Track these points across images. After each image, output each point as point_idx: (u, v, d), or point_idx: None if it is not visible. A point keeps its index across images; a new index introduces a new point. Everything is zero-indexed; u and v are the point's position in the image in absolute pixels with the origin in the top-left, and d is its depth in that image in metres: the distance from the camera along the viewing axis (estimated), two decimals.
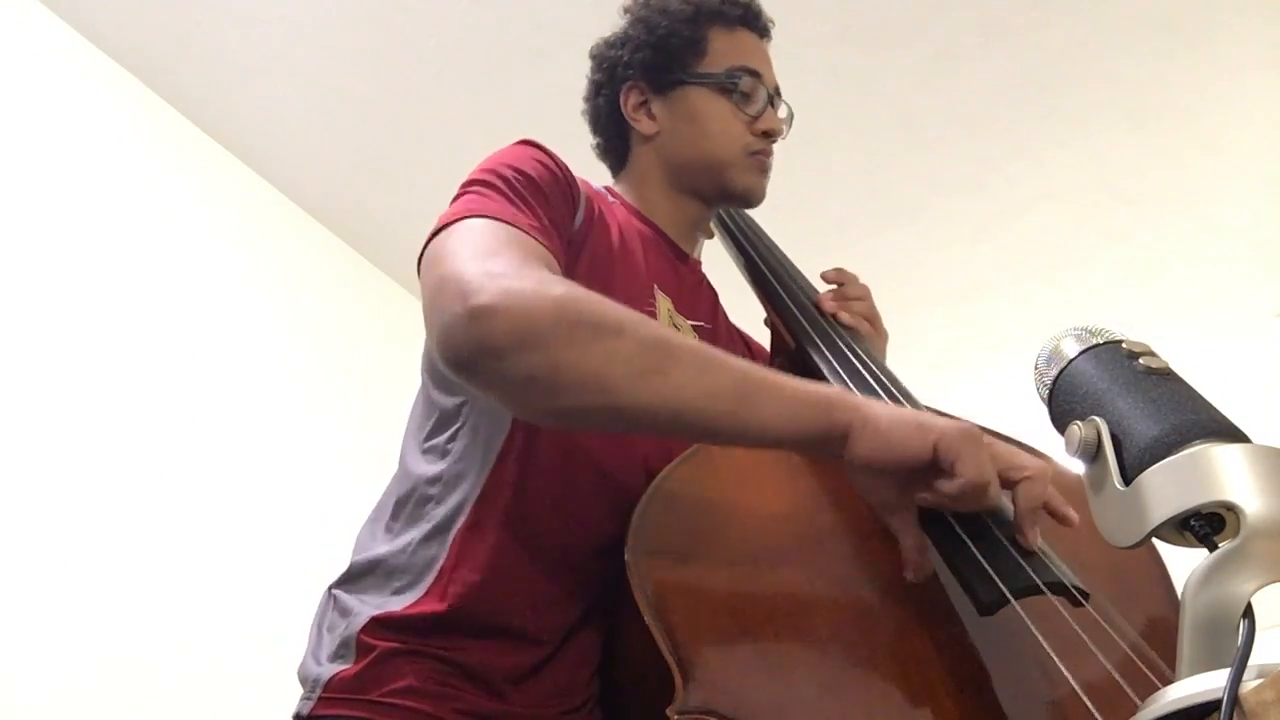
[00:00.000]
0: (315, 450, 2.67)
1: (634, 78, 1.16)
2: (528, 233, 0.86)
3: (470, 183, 0.95)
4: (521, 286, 0.76)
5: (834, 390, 0.80)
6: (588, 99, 1.22)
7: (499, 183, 0.93)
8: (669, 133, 1.15)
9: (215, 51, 2.50)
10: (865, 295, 1.17)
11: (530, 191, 0.93)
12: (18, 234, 2.11)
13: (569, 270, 0.96)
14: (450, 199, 1.00)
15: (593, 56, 1.21)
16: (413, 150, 2.77)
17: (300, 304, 2.84)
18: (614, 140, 1.20)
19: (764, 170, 1.16)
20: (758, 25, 1.19)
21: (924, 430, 0.75)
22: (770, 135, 1.15)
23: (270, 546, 2.40)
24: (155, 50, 2.48)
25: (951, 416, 0.91)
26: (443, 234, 0.85)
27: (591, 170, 1.15)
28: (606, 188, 1.17)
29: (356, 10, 2.40)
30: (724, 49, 1.15)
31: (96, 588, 2.02)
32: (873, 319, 1.16)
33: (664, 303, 1.07)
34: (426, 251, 0.86)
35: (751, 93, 1.14)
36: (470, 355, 0.76)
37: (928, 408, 0.98)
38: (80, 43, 2.42)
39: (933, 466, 0.75)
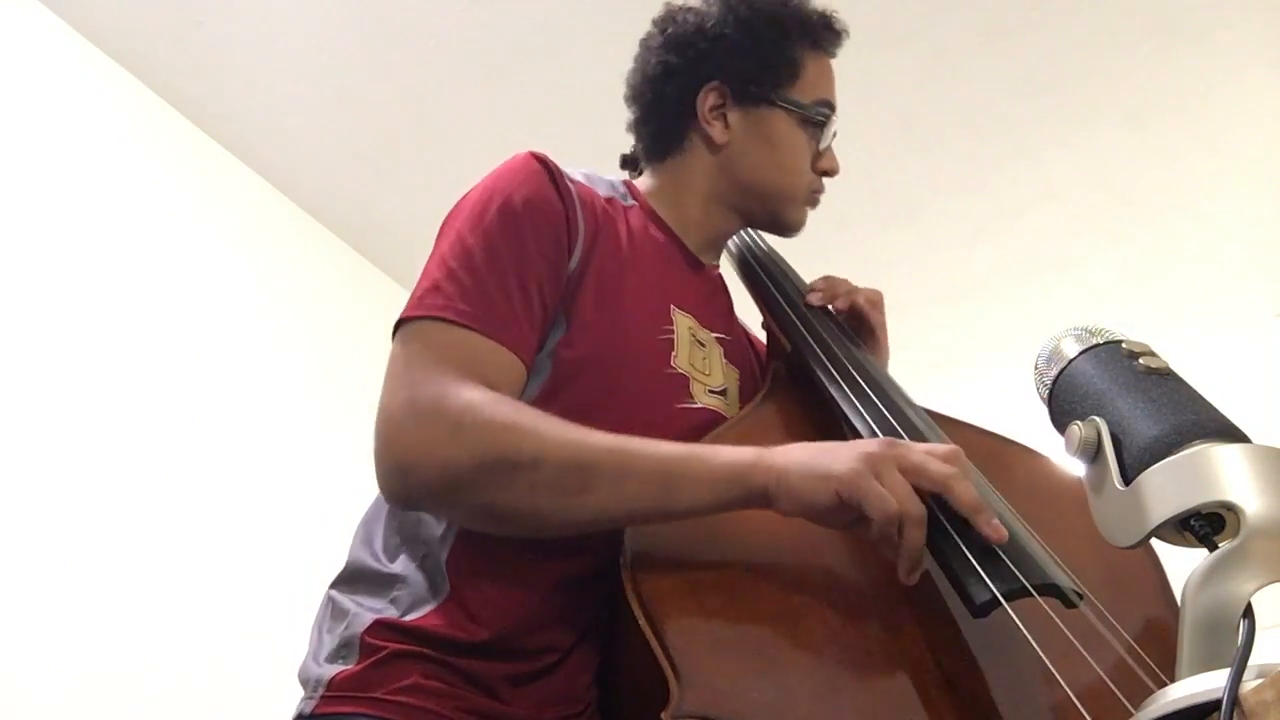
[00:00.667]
0: (315, 450, 2.67)
1: (721, 79, 1.08)
2: (477, 328, 0.87)
3: (450, 234, 0.94)
4: (440, 430, 0.81)
5: (750, 455, 0.81)
6: (650, 78, 1.11)
7: (476, 240, 0.91)
8: (739, 149, 1.09)
9: (215, 51, 2.50)
10: (868, 293, 1.15)
11: (511, 244, 0.91)
12: (17, 234, 2.11)
13: (572, 303, 0.94)
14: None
15: (667, 34, 1.11)
16: (413, 150, 2.77)
17: (300, 304, 2.84)
18: (669, 131, 1.12)
19: (815, 207, 1.14)
20: (835, 53, 1.15)
21: (825, 481, 0.76)
22: (829, 174, 1.12)
23: (270, 547, 2.40)
24: (155, 50, 2.48)
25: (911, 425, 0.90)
26: (398, 339, 0.89)
27: (592, 166, 1.12)
28: (626, 183, 1.12)
29: (357, 10, 2.40)
30: (814, 77, 1.10)
31: (97, 586, 2.02)
32: (876, 326, 1.14)
33: (684, 321, 1.03)
34: (389, 356, 0.89)
35: (827, 130, 1.10)
36: (406, 501, 0.87)
37: (924, 409, 0.97)
38: (80, 43, 2.42)
39: (848, 509, 0.75)
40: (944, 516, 0.77)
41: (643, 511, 0.81)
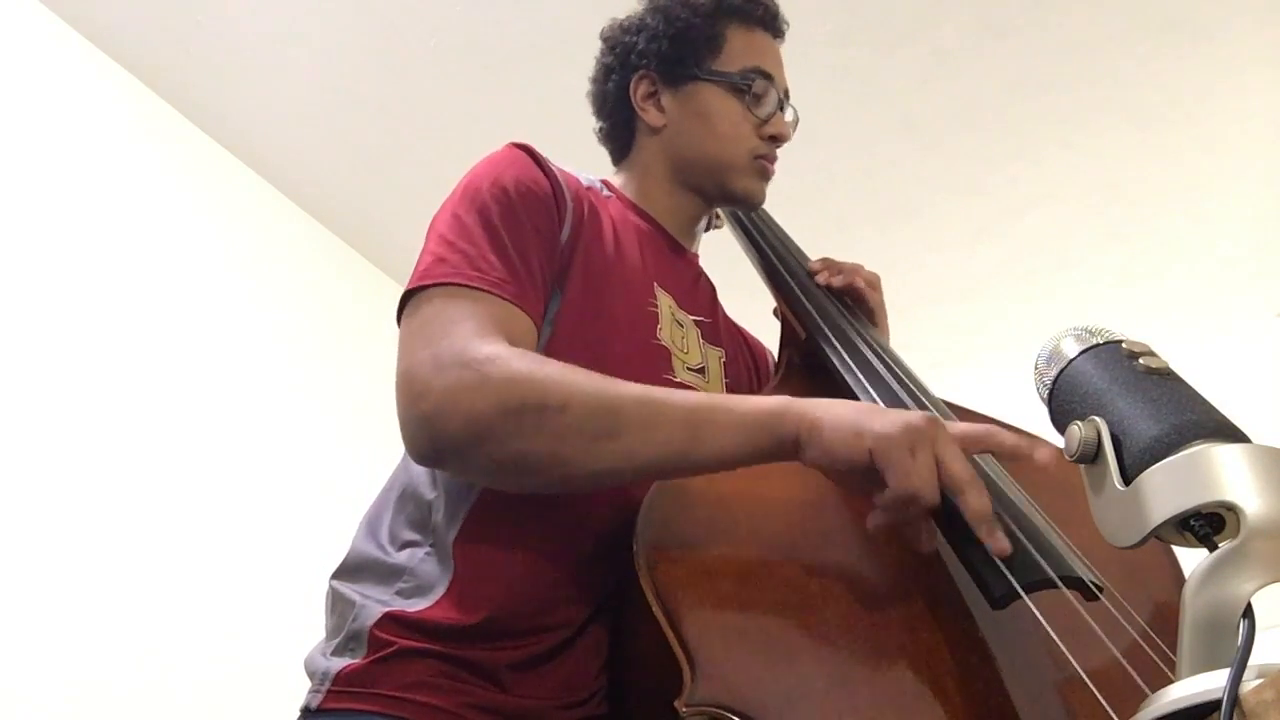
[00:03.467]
0: (316, 448, 2.67)
1: (646, 67, 1.14)
2: (489, 291, 0.88)
3: (445, 216, 0.95)
4: (466, 379, 0.80)
5: (781, 401, 0.80)
6: (596, 82, 1.20)
7: (473, 219, 0.93)
8: (676, 127, 1.14)
9: (215, 51, 2.50)
10: (867, 274, 1.17)
11: (506, 219, 0.93)
12: (17, 234, 2.11)
13: (563, 280, 0.96)
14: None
15: (605, 39, 1.19)
16: (413, 150, 2.77)
17: (300, 303, 2.84)
18: (619, 127, 1.18)
19: (765, 176, 1.15)
20: (774, 27, 1.18)
21: (859, 436, 0.75)
22: (777, 140, 1.14)
23: (271, 542, 2.40)
24: (155, 50, 2.48)
25: (931, 409, 0.91)
26: (407, 310, 0.89)
27: (591, 167, 1.15)
28: (604, 181, 1.16)
29: (357, 10, 2.40)
30: (740, 48, 1.14)
31: (98, 585, 2.02)
32: (876, 308, 1.15)
33: (665, 300, 1.06)
34: (399, 326, 0.90)
35: (763, 95, 1.13)
36: (433, 454, 0.84)
37: (940, 399, 0.97)
38: (80, 43, 2.42)
39: (875, 471, 0.75)
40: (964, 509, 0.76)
41: (669, 459, 0.79)
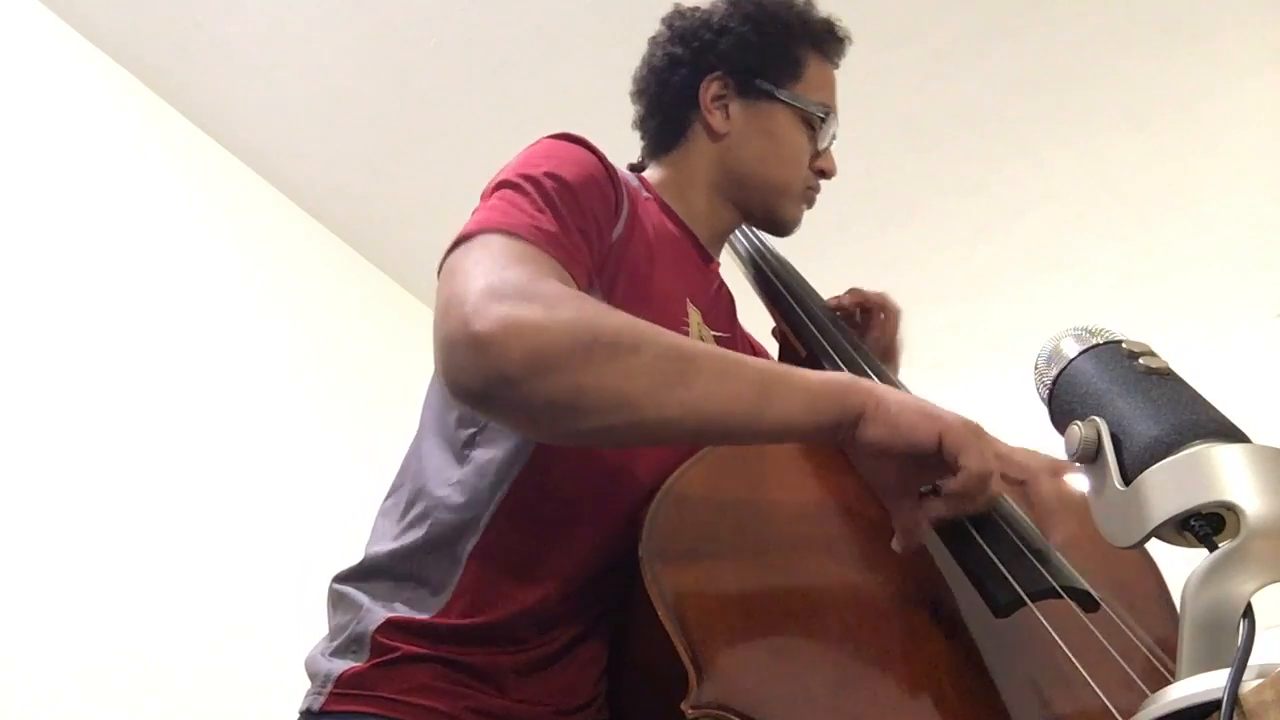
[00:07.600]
0: (316, 450, 2.67)
1: (725, 71, 1.12)
2: (545, 248, 0.83)
3: (500, 184, 0.90)
4: (530, 308, 0.73)
5: (847, 376, 0.81)
6: (656, 70, 1.15)
7: (529, 186, 0.88)
8: (738, 139, 1.11)
9: (215, 51, 2.50)
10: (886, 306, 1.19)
11: (563, 198, 0.89)
12: (17, 234, 2.11)
13: (608, 280, 0.93)
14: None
15: (675, 28, 1.15)
16: (413, 150, 2.77)
17: (300, 304, 2.84)
18: (672, 121, 1.14)
19: (810, 205, 1.16)
20: (838, 62, 1.19)
21: (931, 419, 0.77)
22: (825, 174, 1.15)
23: (271, 544, 2.40)
24: (155, 50, 2.48)
25: None
26: (457, 250, 0.82)
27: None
28: (639, 177, 1.13)
29: (357, 11, 2.40)
30: (816, 80, 1.14)
31: (103, 586, 2.02)
32: (888, 335, 1.18)
33: (695, 315, 1.05)
34: (441, 267, 0.83)
35: (826, 132, 1.13)
36: (480, 385, 0.73)
37: None
38: (80, 43, 2.42)
39: (936, 457, 0.76)
40: (967, 519, 0.78)
41: (736, 416, 0.76)
